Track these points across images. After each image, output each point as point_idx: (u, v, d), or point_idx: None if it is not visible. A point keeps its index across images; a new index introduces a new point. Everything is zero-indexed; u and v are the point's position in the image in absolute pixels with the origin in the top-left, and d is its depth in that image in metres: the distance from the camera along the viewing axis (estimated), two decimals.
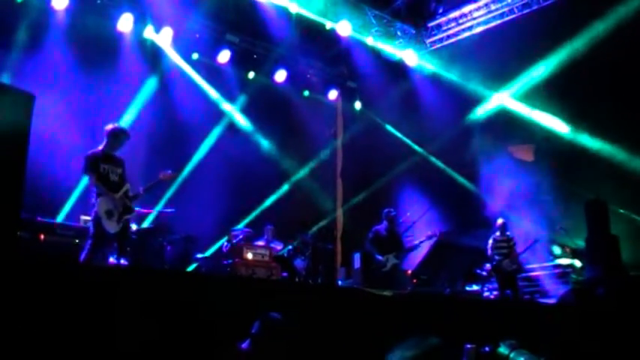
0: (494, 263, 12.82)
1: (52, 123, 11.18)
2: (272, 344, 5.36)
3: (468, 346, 3.26)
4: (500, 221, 13.07)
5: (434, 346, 2.60)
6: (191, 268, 12.21)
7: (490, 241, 12.98)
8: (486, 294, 13.71)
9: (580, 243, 13.84)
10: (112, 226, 8.24)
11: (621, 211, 13.83)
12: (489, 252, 12.92)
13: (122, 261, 8.60)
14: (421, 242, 12.67)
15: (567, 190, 14.63)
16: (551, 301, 12.57)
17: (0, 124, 6.43)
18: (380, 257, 11.89)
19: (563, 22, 13.72)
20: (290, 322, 5.49)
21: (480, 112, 16.07)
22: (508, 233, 12.99)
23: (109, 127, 8.73)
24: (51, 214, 10.79)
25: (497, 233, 12.99)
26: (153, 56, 13.96)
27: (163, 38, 13.79)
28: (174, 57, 14.35)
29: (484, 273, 13.76)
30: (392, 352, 2.67)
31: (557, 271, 13.97)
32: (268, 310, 5.49)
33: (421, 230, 13.55)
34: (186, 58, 14.62)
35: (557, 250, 14.35)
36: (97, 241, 8.14)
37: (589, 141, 14.57)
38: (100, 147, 8.63)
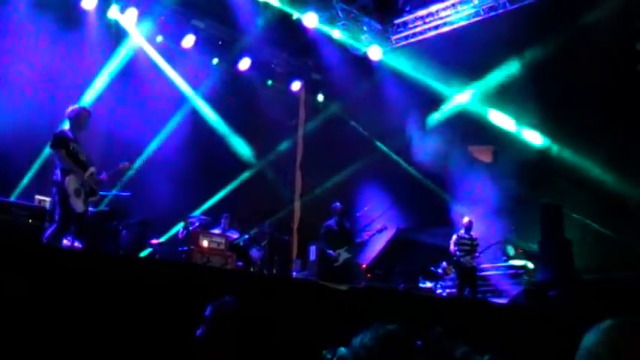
0: (455, 259, 12.89)
1: (7, 98, 10.96)
2: (224, 328, 5.33)
3: (419, 343, 3.29)
4: (466, 220, 13.11)
5: (392, 333, 2.63)
6: (145, 253, 12.08)
7: (454, 237, 12.97)
8: (439, 291, 13.81)
9: (533, 246, 14.01)
10: (79, 206, 7.97)
11: (575, 215, 14.03)
12: (452, 247, 12.93)
13: (76, 244, 8.40)
14: (372, 236, 12.67)
15: (523, 192, 14.81)
16: (503, 300, 12.74)
17: None
18: (331, 252, 11.89)
19: (528, 27, 13.86)
20: (244, 307, 5.48)
21: (442, 111, 16.19)
22: (472, 233, 13.05)
23: (70, 109, 8.45)
24: (4, 192, 10.53)
25: (462, 231, 13.04)
26: (117, 36, 13.77)
27: (128, 19, 13.62)
28: (138, 39, 14.16)
29: (439, 270, 13.87)
30: (353, 339, 2.71)
31: (509, 271, 14.14)
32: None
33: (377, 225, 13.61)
34: (151, 40, 14.46)
35: (511, 250, 14.51)
36: (64, 222, 7.90)
37: (548, 145, 14.79)
38: (66, 129, 8.37)
